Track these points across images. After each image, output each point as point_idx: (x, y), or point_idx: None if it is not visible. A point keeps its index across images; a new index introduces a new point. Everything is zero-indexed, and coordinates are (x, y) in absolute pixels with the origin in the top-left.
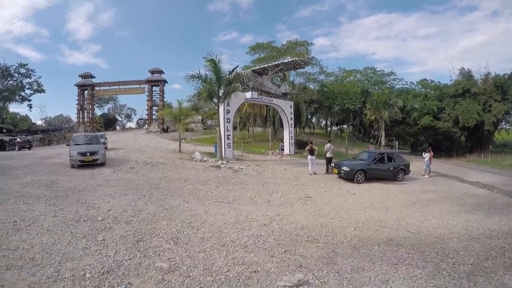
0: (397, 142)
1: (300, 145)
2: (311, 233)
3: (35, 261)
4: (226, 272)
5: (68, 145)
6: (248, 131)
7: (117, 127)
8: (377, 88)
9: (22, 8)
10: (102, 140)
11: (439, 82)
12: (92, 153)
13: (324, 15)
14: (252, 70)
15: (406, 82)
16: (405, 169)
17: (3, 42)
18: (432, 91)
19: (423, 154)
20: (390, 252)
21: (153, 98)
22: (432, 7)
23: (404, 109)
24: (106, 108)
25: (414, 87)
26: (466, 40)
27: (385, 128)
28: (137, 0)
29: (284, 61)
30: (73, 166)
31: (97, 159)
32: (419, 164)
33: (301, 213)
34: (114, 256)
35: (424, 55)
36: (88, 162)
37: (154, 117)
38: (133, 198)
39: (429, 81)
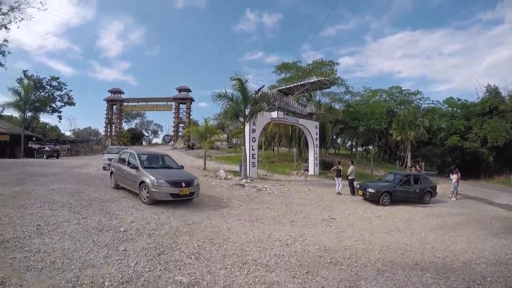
0: (423, 163)
1: (325, 165)
2: (334, 255)
3: (55, 265)
4: None
5: (133, 166)
6: (273, 150)
7: (144, 142)
8: (403, 107)
9: (56, 25)
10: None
11: (465, 100)
12: (188, 184)
13: (349, 34)
14: (278, 90)
15: (432, 101)
16: (432, 191)
17: (36, 56)
18: (459, 110)
19: (450, 175)
20: (415, 277)
21: (180, 115)
22: (457, 23)
23: (431, 129)
24: (133, 123)
25: (440, 106)
26: (493, 55)
27: (411, 149)
28: (166, 21)
29: (310, 81)
30: (151, 203)
31: (194, 192)
32: (446, 186)
33: (324, 235)
34: (134, 267)
35: (450, 72)
36: (184, 197)
37: (180, 133)
38: (157, 211)
39: (456, 100)
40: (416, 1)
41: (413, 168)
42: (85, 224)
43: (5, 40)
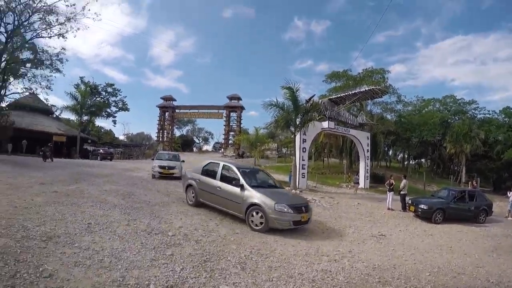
0: (478, 179)
1: (375, 179)
2: (383, 274)
3: (103, 263)
4: None
5: (236, 184)
6: (323, 161)
7: (194, 149)
8: (457, 118)
9: (110, 34)
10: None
11: None
12: (306, 208)
13: (399, 40)
14: (329, 99)
15: (488, 111)
16: (488, 210)
17: (92, 64)
18: None
19: (508, 193)
20: None
21: (230, 123)
22: (510, 25)
23: (487, 142)
24: (184, 130)
25: (497, 116)
26: None
27: (466, 163)
28: (216, 30)
29: (361, 90)
30: (266, 230)
31: (309, 218)
32: (502, 204)
33: (373, 252)
34: (180, 272)
35: (507, 79)
36: (303, 224)
37: (230, 141)
38: (205, 218)
39: None
40: (465, 5)
41: (469, 184)
42: (135, 226)
43: (63, 48)
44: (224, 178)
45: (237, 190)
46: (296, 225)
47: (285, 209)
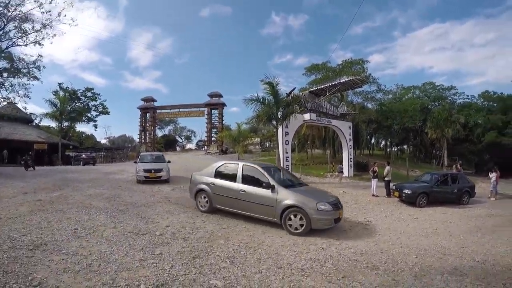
0: (460, 162)
1: (359, 167)
2: (370, 259)
3: (92, 267)
4: None
5: (267, 186)
6: (307, 153)
7: (177, 148)
8: (437, 104)
9: (87, 39)
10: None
11: (501, 93)
12: (341, 205)
13: (377, 31)
14: (309, 92)
15: (467, 95)
16: (470, 191)
17: (70, 69)
18: (495, 104)
19: (490, 174)
20: (453, 282)
21: (212, 121)
22: (486, 11)
23: (467, 126)
24: (167, 130)
25: (476, 100)
26: None
27: (447, 147)
28: (193, 29)
29: (341, 81)
30: (307, 233)
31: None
32: (484, 185)
33: (360, 238)
34: (169, 270)
35: (484, 64)
36: (339, 221)
37: (213, 138)
38: (192, 216)
39: (492, 93)
40: None
41: (454, 167)
42: (122, 228)
43: (40, 56)
44: (247, 180)
45: (267, 192)
46: (336, 222)
47: (327, 208)
